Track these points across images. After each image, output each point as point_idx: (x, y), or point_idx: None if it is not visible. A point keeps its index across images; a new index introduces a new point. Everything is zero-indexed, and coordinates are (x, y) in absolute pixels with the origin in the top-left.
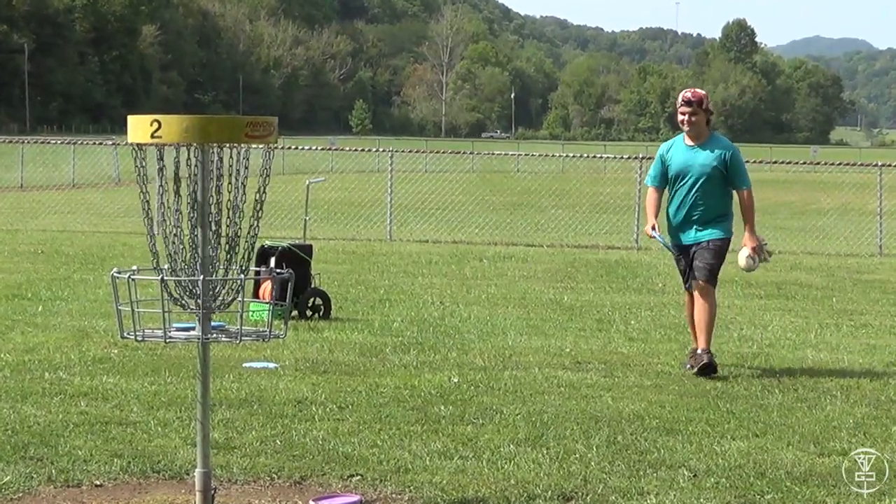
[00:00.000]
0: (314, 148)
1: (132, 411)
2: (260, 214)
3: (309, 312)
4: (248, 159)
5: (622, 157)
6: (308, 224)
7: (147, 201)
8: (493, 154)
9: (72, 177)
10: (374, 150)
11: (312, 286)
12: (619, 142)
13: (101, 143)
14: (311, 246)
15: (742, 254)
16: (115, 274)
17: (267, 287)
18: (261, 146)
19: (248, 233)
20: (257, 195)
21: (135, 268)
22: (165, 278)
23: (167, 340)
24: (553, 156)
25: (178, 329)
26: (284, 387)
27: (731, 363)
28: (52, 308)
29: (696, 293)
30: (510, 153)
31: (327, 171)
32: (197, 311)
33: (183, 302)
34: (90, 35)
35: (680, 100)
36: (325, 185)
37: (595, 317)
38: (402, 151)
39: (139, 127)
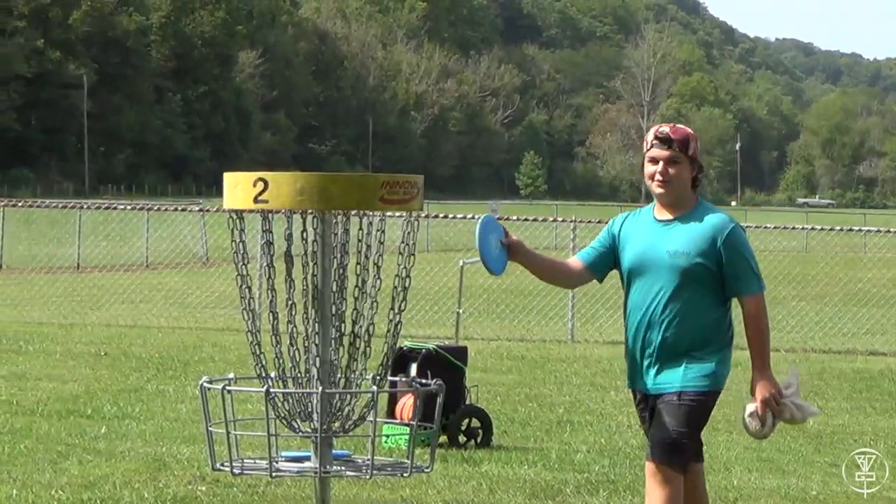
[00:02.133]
0: (469, 216)
1: None
2: (402, 307)
3: (462, 438)
4: (383, 231)
5: (888, 231)
6: (462, 319)
7: (248, 287)
8: None
9: (144, 254)
10: (551, 219)
11: (467, 403)
12: (884, 210)
13: (183, 209)
14: (465, 349)
15: (746, 410)
16: (204, 384)
17: (407, 403)
18: (400, 214)
19: (385, 330)
20: (397, 279)
21: (231, 376)
22: (272, 390)
23: (273, 475)
24: (793, 228)
25: (288, 459)
26: None
27: None
28: (118, 429)
29: (647, 477)
30: None
31: None
32: (313, 436)
33: (295, 422)
34: (169, 65)
35: (651, 137)
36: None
37: (852, 447)
38: (589, 222)
39: (239, 188)
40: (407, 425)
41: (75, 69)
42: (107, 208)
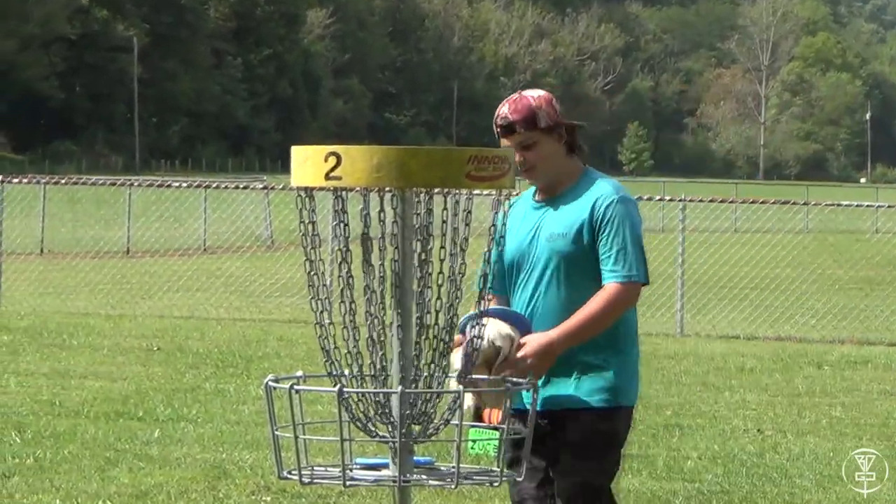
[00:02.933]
0: None
1: None
2: (490, 295)
3: None
4: (469, 212)
5: None
6: None
7: (318, 274)
8: (837, 206)
9: (202, 237)
10: (657, 198)
11: None
12: None
13: (245, 187)
14: None
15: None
16: (269, 383)
17: None
18: (490, 192)
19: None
20: (485, 267)
21: (299, 374)
22: (345, 390)
23: (347, 483)
24: None
25: (363, 466)
26: None
27: None
28: (173, 433)
29: None
30: (864, 204)
31: None
32: (392, 441)
33: (371, 426)
34: (229, 25)
35: (495, 123)
36: None
37: None
38: (700, 201)
39: (308, 163)
40: (496, 429)
41: (124, 30)
42: (159, 186)
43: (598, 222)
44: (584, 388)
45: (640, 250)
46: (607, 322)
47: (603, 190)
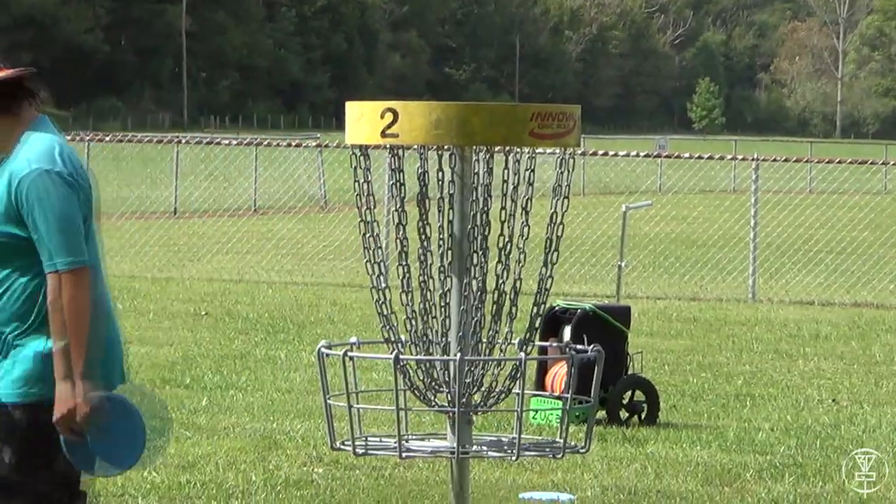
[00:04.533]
0: (632, 154)
1: None
2: (553, 259)
3: (624, 413)
4: (532, 171)
5: None
6: (624, 274)
7: (375, 236)
8: None
9: (252, 197)
10: (729, 157)
11: (630, 372)
12: None
13: (297, 145)
14: (628, 308)
15: None
16: (322, 349)
17: (559, 373)
18: (554, 151)
19: (534, 287)
20: (548, 227)
21: (353, 340)
22: (402, 357)
23: (403, 455)
24: None
25: (421, 437)
26: None
27: None
28: (222, 401)
29: None
30: None
31: (653, 190)
32: (450, 410)
33: (429, 394)
34: None
35: None
36: (651, 212)
37: None
38: (774, 160)
39: (364, 119)
40: (559, 398)
41: None
42: (208, 143)
43: (17, 201)
44: (5, 381)
45: (68, 229)
46: (85, 319)
47: (21, 163)
